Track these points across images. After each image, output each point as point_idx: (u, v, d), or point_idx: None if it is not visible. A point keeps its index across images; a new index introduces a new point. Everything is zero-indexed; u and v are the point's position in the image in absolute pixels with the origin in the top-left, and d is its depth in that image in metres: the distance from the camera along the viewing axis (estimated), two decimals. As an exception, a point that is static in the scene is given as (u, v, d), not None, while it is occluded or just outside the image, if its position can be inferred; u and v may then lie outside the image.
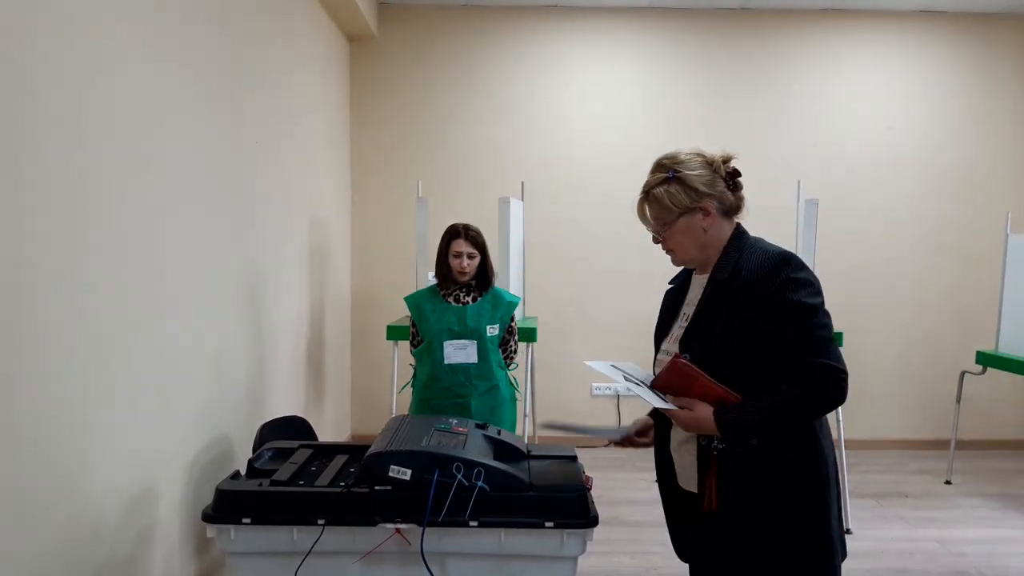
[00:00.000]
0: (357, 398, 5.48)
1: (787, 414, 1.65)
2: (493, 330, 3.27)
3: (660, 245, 1.87)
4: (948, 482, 4.77)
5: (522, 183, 4.86)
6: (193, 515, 2.62)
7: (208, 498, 2.01)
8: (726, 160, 1.80)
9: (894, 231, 5.50)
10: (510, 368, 3.44)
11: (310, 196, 4.33)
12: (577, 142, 5.43)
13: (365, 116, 5.41)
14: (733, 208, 1.82)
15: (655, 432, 1.99)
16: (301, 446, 2.37)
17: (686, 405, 1.71)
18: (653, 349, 1.95)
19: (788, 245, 5.38)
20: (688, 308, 1.86)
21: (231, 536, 1.95)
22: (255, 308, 3.30)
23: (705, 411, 1.68)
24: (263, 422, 3.01)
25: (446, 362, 3.21)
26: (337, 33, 5.01)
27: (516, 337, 3.46)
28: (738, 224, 1.84)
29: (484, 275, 3.31)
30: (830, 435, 1.81)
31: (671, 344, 1.85)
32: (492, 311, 3.28)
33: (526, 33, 5.39)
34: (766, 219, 5.13)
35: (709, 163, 1.79)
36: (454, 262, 3.25)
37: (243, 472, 2.19)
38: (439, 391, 3.23)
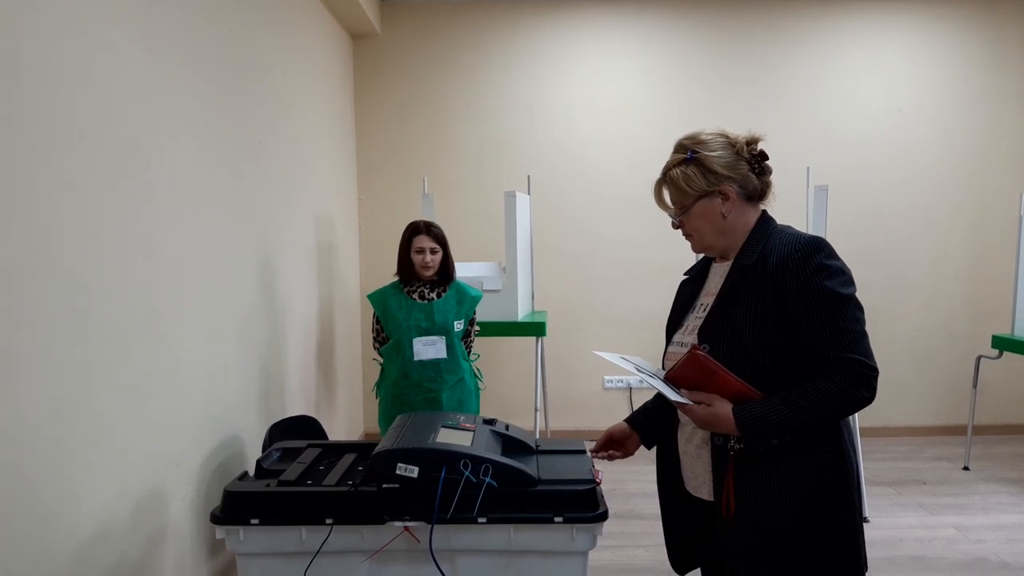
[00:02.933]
0: (369, 396, 5.48)
1: (814, 414, 1.51)
2: (459, 325, 3.39)
3: (680, 230, 1.76)
4: (966, 468, 4.72)
5: (528, 177, 4.84)
6: (204, 516, 2.62)
7: (219, 499, 2.01)
8: (751, 142, 1.68)
9: (905, 216, 5.43)
10: (472, 359, 3.52)
11: (316, 195, 4.32)
12: (582, 134, 5.40)
13: (369, 113, 5.40)
14: (757, 193, 1.69)
15: (651, 435, 1.91)
16: (309, 445, 2.37)
17: (703, 400, 1.58)
18: (664, 342, 1.84)
19: (798, 232, 5.28)
20: (706, 299, 1.74)
21: (240, 537, 1.95)
22: (264, 307, 3.30)
23: (724, 407, 1.56)
24: (274, 422, 3.01)
25: (416, 359, 3.28)
26: (340, 30, 5.00)
27: (475, 329, 3.58)
28: (764, 211, 1.72)
29: (446, 270, 3.40)
30: (851, 431, 1.70)
31: (686, 335, 1.73)
32: (457, 306, 3.38)
33: (528, 26, 5.36)
34: (775, 206, 5.13)
35: (732, 144, 1.67)
36: (417, 258, 3.33)
37: (251, 473, 2.19)
38: (410, 387, 3.32)
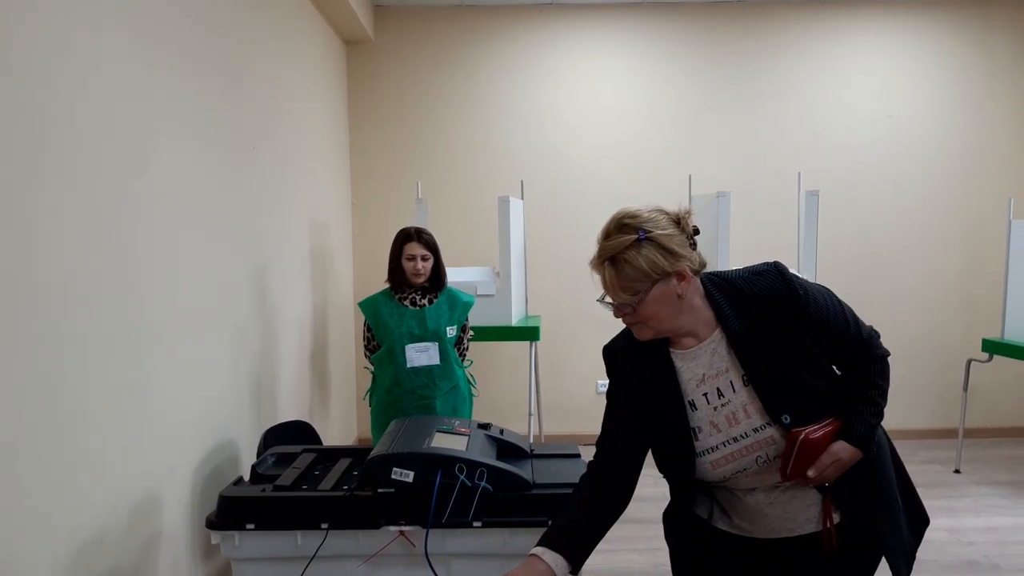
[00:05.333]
0: (363, 401, 5.48)
1: (884, 394, 1.63)
2: (452, 331, 3.38)
3: (621, 319, 1.61)
4: (957, 471, 4.75)
5: (521, 182, 4.85)
6: (199, 522, 2.62)
7: (214, 504, 2.01)
8: (686, 215, 1.57)
9: (896, 220, 5.47)
10: (465, 365, 3.51)
11: (310, 200, 4.32)
12: (575, 139, 5.41)
13: (363, 119, 5.41)
14: (701, 267, 1.58)
15: (582, 553, 1.61)
16: (304, 450, 2.37)
17: (823, 460, 1.54)
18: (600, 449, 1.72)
19: (790, 237, 5.40)
20: (708, 386, 1.59)
21: (235, 542, 1.95)
22: (258, 313, 3.30)
23: (844, 451, 1.55)
24: (268, 427, 3.01)
25: (409, 365, 3.28)
26: (333, 37, 5.01)
27: (468, 335, 3.56)
28: (697, 278, 1.60)
29: (437, 276, 3.39)
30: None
31: (734, 428, 1.57)
32: (449, 312, 3.38)
33: (521, 32, 5.38)
34: (767, 212, 5.17)
35: (676, 221, 1.55)
36: (408, 265, 3.32)
37: (246, 478, 2.19)
38: (403, 395, 3.31)
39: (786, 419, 1.53)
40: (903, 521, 1.68)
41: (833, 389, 1.60)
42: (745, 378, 1.57)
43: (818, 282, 1.87)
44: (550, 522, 1.69)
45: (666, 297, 1.53)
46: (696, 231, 1.59)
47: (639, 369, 1.65)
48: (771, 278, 1.58)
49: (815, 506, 1.62)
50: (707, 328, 1.60)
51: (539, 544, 1.57)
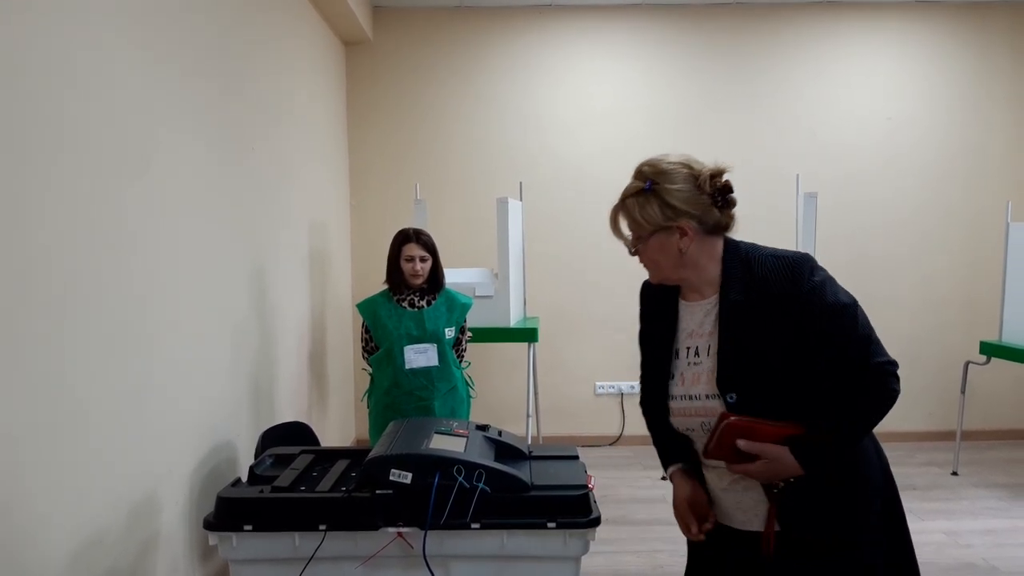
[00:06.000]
0: (361, 403, 5.47)
1: (861, 426, 1.53)
2: (450, 332, 3.38)
3: (636, 258, 1.68)
4: (955, 473, 4.75)
5: (520, 183, 4.85)
6: (197, 523, 2.61)
7: (211, 506, 2.01)
8: (716, 174, 1.57)
9: (894, 222, 5.47)
10: (464, 366, 3.50)
11: (309, 200, 4.32)
12: (574, 140, 5.42)
13: (362, 119, 5.41)
14: (719, 227, 1.60)
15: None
16: (302, 452, 2.37)
17: (757, 452, 1.51)
18: (643, 385, 1.75)
19: (788, 240, 5.40)
20: (692, 341, 1.64)
21: (233, 543, 1.95)
22: (256, 314, 3.30)
23: (782, 455, 1.50)
24: (266, 429, 3.00)
25: (408, 367, 3.28)
26: (332, 37, 5.01)
27: (467, 337, 3.56)
28: (727, 238, 1.63)
29: (435, 278, 3.40)
30: (878, 444, 1.67)
31: (693, 387, 1.61)
32: (448, 314, 3.38)
33: (520, 33, 5.39)
34: (765, 214, 5.16)
35: (695, 176, 1.56)
36: (406, 266, 3.32)
37: (244, 479, 2.19)
38: (401, 396, 3.31)
39: (731, 398, 1.55)
40: (870, 558, 1.57)
41: (813, 395, 1.53)
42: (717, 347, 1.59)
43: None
44: (661, 447, 1.77)
45: (666, 248, 1.59)
46: (723, 191, 1.58)
47: (654, 308, 1.74)
48: (786, 268, 1.54)
49: (763, 504, 1.59)
50: (711, 289, 1.62)
51: (671, 464, 1.73)
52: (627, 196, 1.61)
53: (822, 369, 1.52)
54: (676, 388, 1.65)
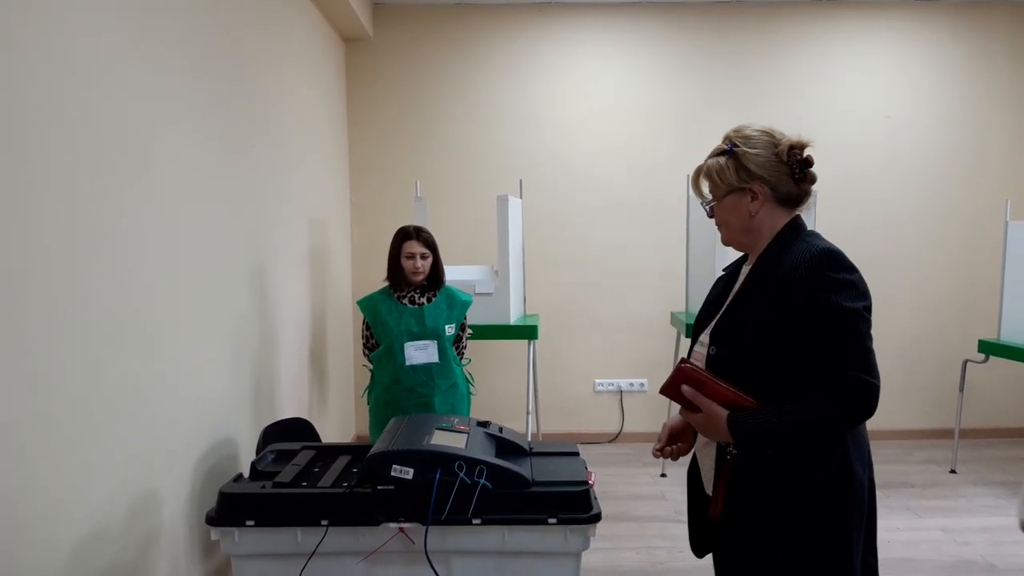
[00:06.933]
0: (361, 399, 5.49)
1: (808, 428, 1.51)
2: (450, 329, 3.39)
3: (712, 220, 1.77)
4: (953, 471, 4.77)
5: (520, 181, 4.85)
6: (199, 518, 2.62)
7: (213, 501, 2.01)
8: (796, 147, 1.65)
9: (893, 221, 5.48)
10: (464, 363, 3.52)
11: (308, 198, 4.33)
12: (574, 138, 5.42)
13: (362, 117, 5.41)
14: (792, 198, 1.67)
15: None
16: (304, 447, 2.38)
17: (701, 405, 1.58)
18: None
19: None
20: (730, 299, 1.74)
21: (235, 538, 1.96)
22: (257, 311, 3.31)
23: (719, 413, 1.56)
24: (267, 425, 3.01)
25: (408, 363, 3.30)
26: (332, 34, 5.01)
27: (467, 333, 3.57)
28: (797, 216, 1.68)
29: (436, 275, 3.41)
30: (867, 454, 1.64)
31: (706, 335, 1.72)
32: (448, 311, 3.39)
33: (520, 31, 5.39)
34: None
35: (775, 144, 1.66)
36: (407, 263, 3.34)
37: (246, 475, 2.19)
38: (401, 393, 3.32)
39: (712, 351, 1.66)
40: (850, 556, 1.55)
41: (787, 383, 1.53)
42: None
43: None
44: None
45: (738, 209, 1.68)
46: (802, 164, 1.65)
47: (732, 268, 1.84)
48: (810, 255, 1.54)
49: (711, 472, 1.69)
50: (757, 256, 1.69)
51: None
52: (711, 156, 1.73)
53: (804, 364, 1.52)
54: (702, 335, 1.75)
